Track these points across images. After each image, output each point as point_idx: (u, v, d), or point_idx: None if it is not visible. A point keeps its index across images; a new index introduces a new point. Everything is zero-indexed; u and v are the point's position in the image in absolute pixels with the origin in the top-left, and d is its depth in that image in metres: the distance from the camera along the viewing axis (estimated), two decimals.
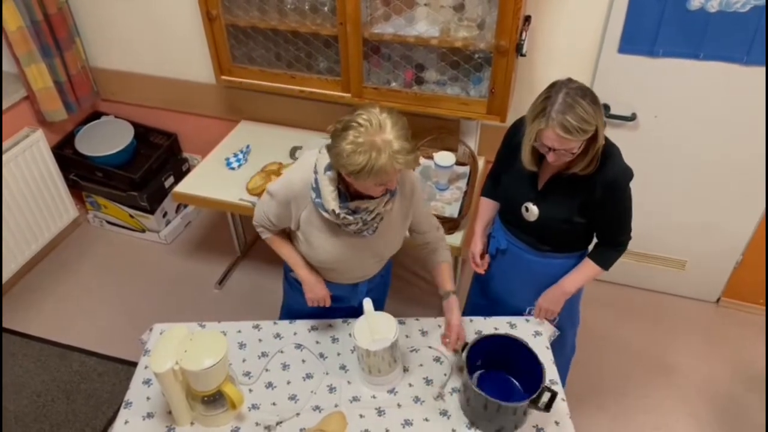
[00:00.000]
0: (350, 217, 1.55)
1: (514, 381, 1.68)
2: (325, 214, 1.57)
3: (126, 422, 1.62)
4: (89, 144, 2.98)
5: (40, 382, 2.54)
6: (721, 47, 2.13)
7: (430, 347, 1.81)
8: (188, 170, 3.15)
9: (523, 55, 2.19)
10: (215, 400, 1.57)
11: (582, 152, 1.57)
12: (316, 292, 1.76)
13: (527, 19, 2.21)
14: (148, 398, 1.67)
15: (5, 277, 2.84)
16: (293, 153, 2.67)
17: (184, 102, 3.01)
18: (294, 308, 1.94)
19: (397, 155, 1.38)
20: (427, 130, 2.55)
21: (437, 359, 1.78)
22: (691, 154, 2.44)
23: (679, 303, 2.89)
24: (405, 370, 1.73)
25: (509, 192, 1.82)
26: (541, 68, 2.39)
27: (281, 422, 1.61)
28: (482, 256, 1.95)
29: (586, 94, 1.49)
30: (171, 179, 3.13)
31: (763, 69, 2.14)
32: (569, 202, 1.67)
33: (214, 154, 2.71)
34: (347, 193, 1.55)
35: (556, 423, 1.60)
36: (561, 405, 1.63)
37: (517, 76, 2.38)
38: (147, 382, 1.71)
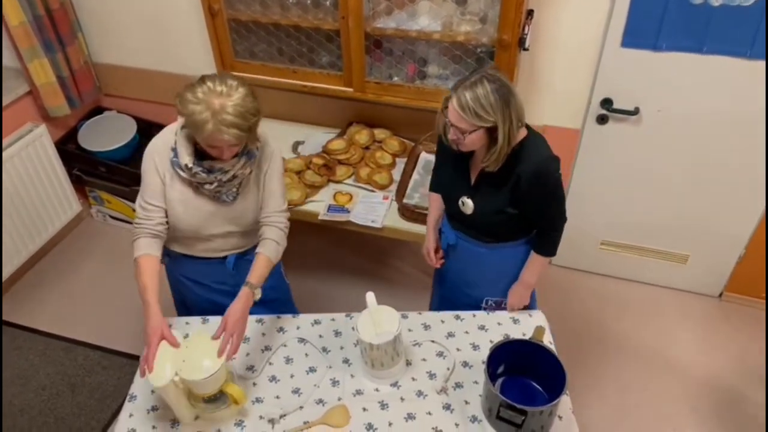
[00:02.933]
0: (205, 175, 1.61)
1: (536, 385, 1.67)
2: (181, 173, 1.63)
3: (131, 415, 1.63)
4: (92, 139, 2.99)
5: (45, 375, 2.55)
6: (724, 41, 2.12)
7: (433, 341, 1.81)
8: None
9: (525, 50, 2.19)
10: (217, 398, 1.58)
11: (487, 147, 1.58)
12: (150, 325, 1.55)
13: (530, 13, 2.20)
14: (152, 392, 1.68)
15: (10, 271, 2.85)
16: (295, 148, 2.67)
17: None
18: (185, 299, 2.01)
19: (222, 124, 1.47)
20: (429, 125, 2.53)
21: (440, 354, 1.78)
22: (694, 148, 2.43)
23: (681, 297, 2.89)
24: (408, 364, 1.74)
25: (446, 186, 1.84)
26: (544, 62, 2.38)
27: (285, 415, 1.62)
28: (436, 251, 1.98)
29: (495, 83, 1.49)
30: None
31: None
32: (499, 195, 1.68)
33: None
34: (203, 153, 1.61)
35: (560, 417, 1.60)
36: (564, 399, 1.64)
37: (520, 71, 2.37)
38: None
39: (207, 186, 1.65)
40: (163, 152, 1.67)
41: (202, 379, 1.47)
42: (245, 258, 1.87)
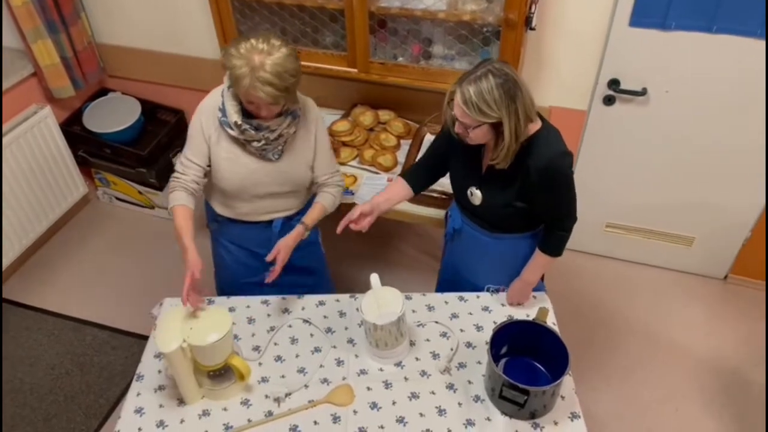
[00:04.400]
0: (253, 132, 1.67)
1: (539, 366, 1.68)
2: (230, 131, 1.69)
3: (138, 394, 1.66)
4: (97, 121, 2.99)
5: (54, 354, 2.59)
6: (735, 20, 2.08)
7: (436, 322, 1.83)
8: None
9: (532, 29, 2.16)
10: (221, 374, 1.61)
11: (495, 141, 1.55)
12: (189, 262, 1.68)
13: None
14: (159, 371, 1.71)
15: (18, 252, 2.88)
16: None
17: (191, 78, 3.00)
18: (226, 267, 2.06)
19: (258, 81, 1.52)
20: (434, 106, 2.52)
21: (444, 334, 1.79)
22: (702, 129, 2.41)
23: (686, 280, 2.88)
24: (412, 344, 1.76)
25: (457, 176, 1.82)
26: (551, 42, 2.35)
27: (290, 394, 1.64)
28: (364, 215, 1.77)
29: (501, 78, 1.44)
30: (179, 156, 3.13)
31: None
32: (508, 188, 1.66)
33: None
34: (248, 112, 1.67)
35: (562, 397, 1.62)
36: (567, 380, 1.65)
37: (526, 51, 2.35)
38: (158, 355, 1.74)
39: (255, 143, 1.71)
40: (209, 113, 1.73)
41: (209, 344, 1.50)
42: (290, 224, 1.91)
